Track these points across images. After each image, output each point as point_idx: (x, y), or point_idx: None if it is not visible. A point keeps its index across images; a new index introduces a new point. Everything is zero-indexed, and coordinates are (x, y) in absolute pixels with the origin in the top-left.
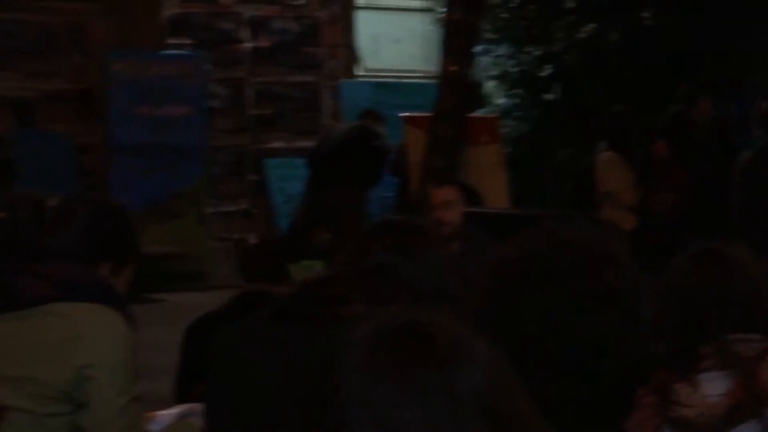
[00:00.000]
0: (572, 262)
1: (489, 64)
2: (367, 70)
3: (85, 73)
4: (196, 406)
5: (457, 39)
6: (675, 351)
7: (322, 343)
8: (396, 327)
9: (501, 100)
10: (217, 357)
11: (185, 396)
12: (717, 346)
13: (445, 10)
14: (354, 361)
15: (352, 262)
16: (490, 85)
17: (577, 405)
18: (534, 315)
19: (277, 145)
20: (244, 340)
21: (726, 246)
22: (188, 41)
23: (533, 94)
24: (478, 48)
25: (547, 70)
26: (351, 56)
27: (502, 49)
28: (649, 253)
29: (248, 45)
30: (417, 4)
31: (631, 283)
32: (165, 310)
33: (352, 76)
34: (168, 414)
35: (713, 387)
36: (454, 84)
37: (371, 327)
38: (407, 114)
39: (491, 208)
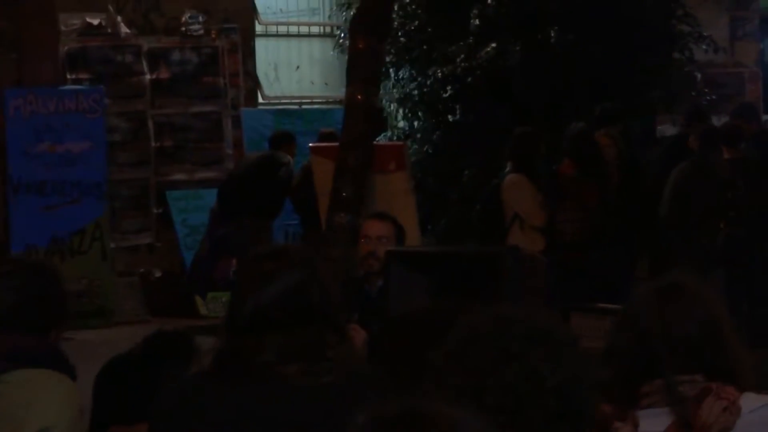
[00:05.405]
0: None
1: (389, 88)
2: (267, 97)
3: None
4: None
5: (361, 67)
6: (619, 384)
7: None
8: (395, 415)
9: (402, 123)
10: (163, 409)
11: None
12: (663, 384)
13: (343, 35)
14: None
15: None
16: (390, 109)
17: None
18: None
19: (179, 177)
20: (190, 394)
21: (691, 281)
22: (87, 75)
23: (435, 116)
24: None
25: (449, 92)
26: (251, 84)
27: (403, 72)
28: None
29: (147, 77)
30: (315, 29)
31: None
32: (73, 348)
33: (253, 104)
34: None
35: (653, 424)
36: (361, 112)
37: (370, 415)
38: (315, 144)
39: (411, 246)
